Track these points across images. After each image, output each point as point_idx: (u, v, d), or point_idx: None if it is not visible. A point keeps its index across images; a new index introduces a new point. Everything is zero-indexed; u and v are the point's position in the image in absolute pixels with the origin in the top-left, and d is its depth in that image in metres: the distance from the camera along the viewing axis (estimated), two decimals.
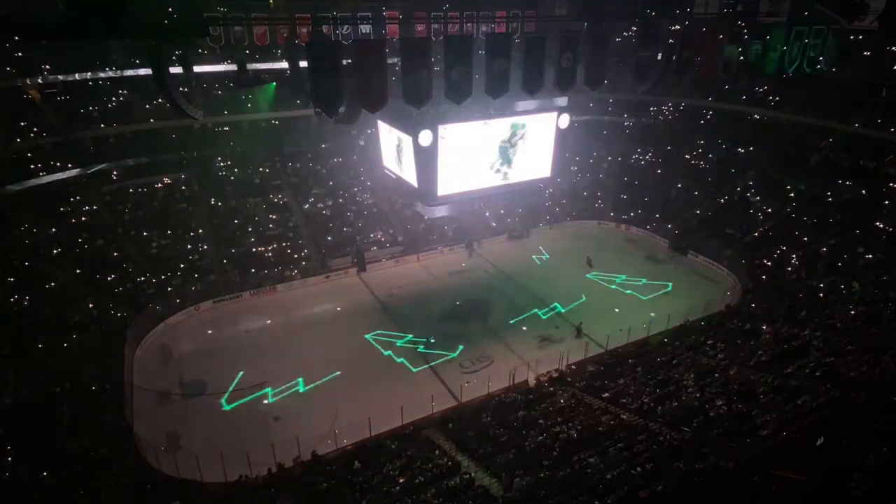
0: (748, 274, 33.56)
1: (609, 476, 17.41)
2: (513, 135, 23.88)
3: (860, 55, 35.46)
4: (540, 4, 38.12)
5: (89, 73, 35.46)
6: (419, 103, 18.77)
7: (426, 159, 22.82)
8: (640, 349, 27.17)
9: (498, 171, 24.88)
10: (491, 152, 24.08)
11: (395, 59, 19.14)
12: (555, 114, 24.86)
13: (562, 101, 23.60)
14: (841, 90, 36.06)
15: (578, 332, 29.24)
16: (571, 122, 24.51)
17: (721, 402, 20.93)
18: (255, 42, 24.24)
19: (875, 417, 17.24)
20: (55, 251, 31.06)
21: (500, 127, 23.47)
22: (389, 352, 28.28)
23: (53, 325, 26.45)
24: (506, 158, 24.62)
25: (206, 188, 39.47)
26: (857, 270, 29.99)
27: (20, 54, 32.95)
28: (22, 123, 33.74)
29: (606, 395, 23.17)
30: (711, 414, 20.35)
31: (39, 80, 33.96)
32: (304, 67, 17.97)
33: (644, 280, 34.81)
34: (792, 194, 37.61)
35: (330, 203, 41.38)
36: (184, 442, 22.04)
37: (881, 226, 32.03)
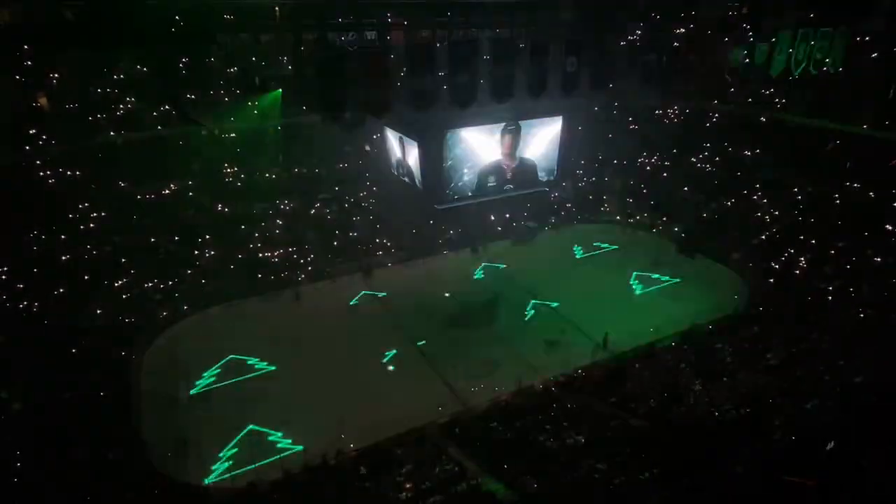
0: (756, 277, 33.35)
1: (617, 481, 17.34)
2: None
3: (867, 56, 35.25)
4: (545, 9, 38.10)
5: (97, 81, 35.66)
6: (425, 109, 18.87)
7: (432, 164, 22.92)
8: (648, 353, 27.02)
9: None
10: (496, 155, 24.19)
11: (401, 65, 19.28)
12: (560, 117, 24.93)
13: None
14: (849, 92, 35.85)
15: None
16: (576, 126, 24.53)
17: (730, 407, 20.81)
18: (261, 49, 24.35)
19: (885, 422, 17.08)
20: (63, 257, 31.25)
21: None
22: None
23: (61, 331, 26.58)
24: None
25: (213, 194, 39.61)
26: (865, 273, 29.77)
27: (29, 63, 33.18)
28: (31, 131, 33.99)
29: (614, 399, 23.07)
30: (720, 418, 20.23)
31: (48, 88, 34.23)
32: (310, 74, 18.11)
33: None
34: (799, 197, 37.38)
35: (336, 208, 41.46)
36: (191, 447, 22.08)
37: (890, 228, 31.76)
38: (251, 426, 23.28)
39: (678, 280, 34.84)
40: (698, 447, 18.26)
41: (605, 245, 40.85)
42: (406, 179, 26.61)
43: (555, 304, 32.90)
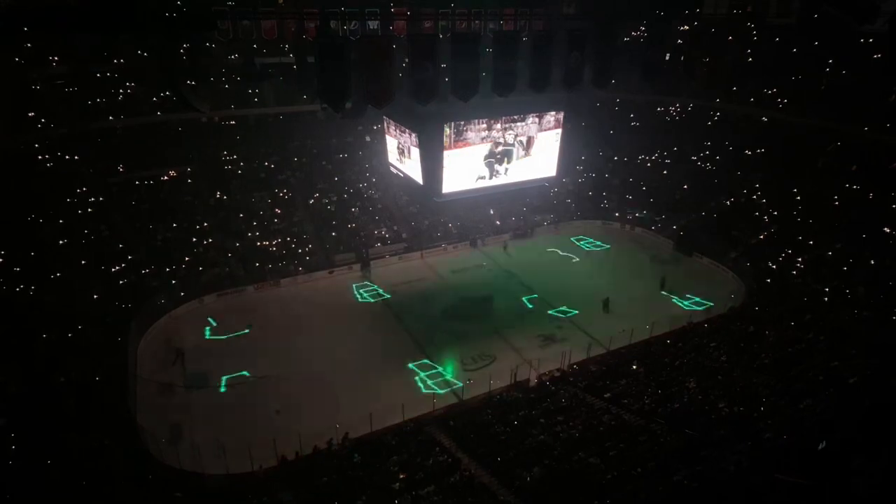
0: (753, 276, 33.44)
1: (609, 476, 17.42)
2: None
3: (870, 58, 35.20)
4: (548, 3, 37.96)
5: (97, 65, 35.52)
6: (426, 100, 18.79)
7: (432, 157, 22.86)
8: (643, 350, 27.13)
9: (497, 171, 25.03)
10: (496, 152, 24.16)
11: (403, 56, 19.16)
12: (561, 113, 24.89)
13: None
14: (851, 93, 35.84)
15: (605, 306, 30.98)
16: (578, 122, 24.51)
17: (723, 405, 20.90)
18: (262, 36, 24.23)
19: (877, 422, 17.18)
20: (61, 242, 31.19)
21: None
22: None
23: (58, 315, 26.56)
24: (505, 158, 24.77)
25: (212, 181, 39.55)
26: (862, 275, 29.85)
27: (29, 45, 33.00)
28: (30, 114, 33.86)
29: (608, 395, 23.15)
30: (713, 416, 20.32)
31: (48, 72, 34.10)
32: (311, 63, 17.99)
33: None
34: (798, 197, 37.41)
35: (335, 198, 41.40)
36: (186, 433, 22.15)
37: (888, 231, 31.81)
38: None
39: None
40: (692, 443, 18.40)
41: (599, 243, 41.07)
42: (404, 171, 26.55)
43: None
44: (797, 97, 39.41)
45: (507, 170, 25.28)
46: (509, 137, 24.34)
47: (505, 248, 40.37)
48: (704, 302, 32.13)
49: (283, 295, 33.98)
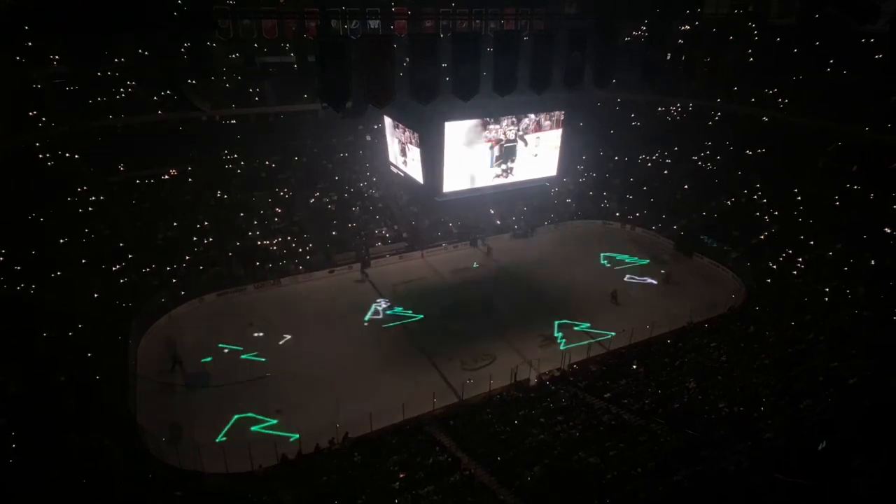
0: (753, 276, 33.43)
1: (609, 476, 17.42)
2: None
3: (871, 58, 35.17)
4: (549, 2, 37.95)
5: (97, 64, 35.47)
6: (426, 100, 18.79)
7: (432, 156, 22.85)
8: (643, 350, 27.13)
9: (504, 169, 24.98)
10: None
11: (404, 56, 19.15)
12: (561, 112, 24.88)
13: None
14: (851, 93, 35.80)
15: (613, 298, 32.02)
16: (578, 122, 24.54)
17: (723, 405, 20.90)
18: (263, 35, 24.20)
19: (877, 422, 17.17)
20: (61, 241, 31.18)
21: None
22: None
23: (58, 315, 26.54)
24: (510, 156, 24.73)
25: (212, 181, 39.53)
26: (862, 275, 29.83)
27: (29, 44, 32.96)
28: (30, 113, 33.83)
29: (608, 395, 23.16)
30: (713, 416, 20.32)
31: (48, 71, 34.05)
32: (312, 62, 17.97)
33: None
34: (799, 197, 37.40)
35: (335, 198, 41.40)
36: (186, 433, 22.14)
37: (888, 231, 31.79)
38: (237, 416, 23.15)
39: None
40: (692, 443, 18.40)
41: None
42: (405, 171, 26.55)
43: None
44: (798, 97, 39.35)
45: (510, 168, 25.30)
46: (511, 135, 24.35)
47: (488, 250, 40.08)
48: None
49: (284, 294, 33.98)
